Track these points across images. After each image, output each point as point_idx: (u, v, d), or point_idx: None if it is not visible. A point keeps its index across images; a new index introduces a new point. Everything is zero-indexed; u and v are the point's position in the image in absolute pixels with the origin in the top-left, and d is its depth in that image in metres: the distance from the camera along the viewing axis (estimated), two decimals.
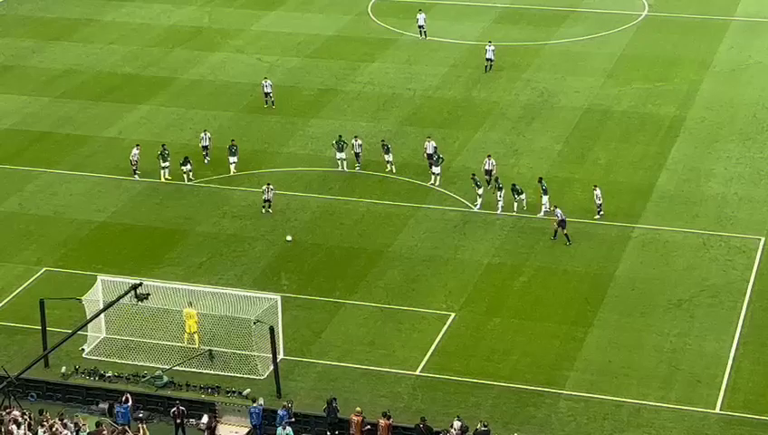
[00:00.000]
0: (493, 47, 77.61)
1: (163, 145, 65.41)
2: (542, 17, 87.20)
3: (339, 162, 64.59)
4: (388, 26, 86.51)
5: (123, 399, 45.35)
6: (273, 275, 55.74)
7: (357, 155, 64.97)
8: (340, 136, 65.09)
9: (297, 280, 55.35)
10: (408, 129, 70.30)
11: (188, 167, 64.32)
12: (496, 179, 61.13)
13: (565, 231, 57.45)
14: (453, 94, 75.12)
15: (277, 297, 49.70)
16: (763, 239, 57.19)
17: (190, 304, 50.14)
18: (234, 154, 65.30)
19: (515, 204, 59.67)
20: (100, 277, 50.75)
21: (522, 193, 60.06)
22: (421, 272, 55.67)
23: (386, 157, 64.71)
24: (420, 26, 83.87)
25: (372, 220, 60.40)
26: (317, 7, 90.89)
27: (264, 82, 73.90)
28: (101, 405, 46.68)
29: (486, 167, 62.92)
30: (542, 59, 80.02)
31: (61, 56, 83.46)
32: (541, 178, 60.42)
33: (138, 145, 65.41)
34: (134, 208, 62.45)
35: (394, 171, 64.37)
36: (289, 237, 58.64)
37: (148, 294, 47.05)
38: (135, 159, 64.87)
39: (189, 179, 64.18)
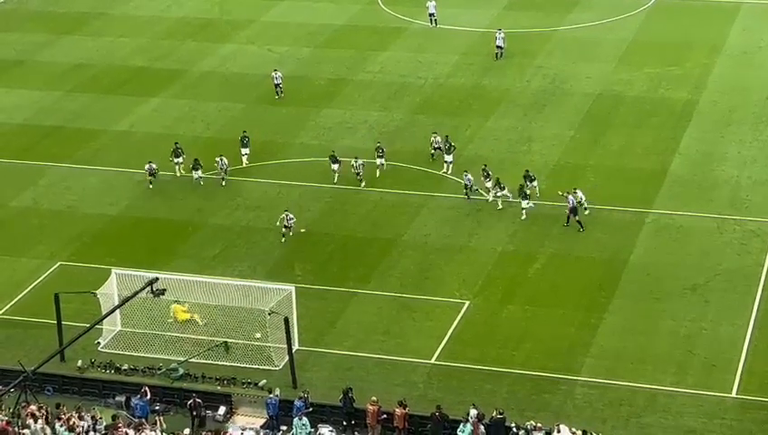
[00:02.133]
0: (503, 34, 77.46)
1: (176, 143, 65.28)
2: (552, 3, 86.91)
3: (334, 174, 63.32)
4: (398, 15, 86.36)
5: (142, 392, 45.44)
6: (287, 266, 55.77)
7: (358, 174, 62.62)
8: (334, 151, 64.24)
9: (311, 270, 55.36)
10: (420, 117, 70.19)
11: (199, 173, 63.93)
12: (485, 169, 60.87)
13: (577, 218, 57.36)
14: (464, 82, 74.99)
15: (291, 288, 49.74)
16: None
17: (176, 301, 50.32)
18: (246, 145, 65.27)
19: (527, 191, 59.47)
20: (115, 271, 50.85)
21: (534, 180, 59.93)
22: (435, 260, 55.64)
23: (378, 160, 63.43)
24: (431, 14, 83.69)
25: (385, 209, 60.32)
26: None
27: (273, 73, 73.82)
28: (118, 398, 46.81)
29: (434, 145, 63.80)
30: (552, 45, 79.80)
31: (71, 50, 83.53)
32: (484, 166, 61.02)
33: (150, 162, 64.03)
34: (147, 202, 62.54)
35: (384, 168, 63.45)
36: (303, 229, 58.66)
37: (165, 290, 47.26)
38: (152, 170, 63.83)
39: (200, 185, 63.87)
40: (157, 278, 46.90)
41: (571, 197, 57.64)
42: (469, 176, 60.49)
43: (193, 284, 50.72)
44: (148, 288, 47.27)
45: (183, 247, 57.98)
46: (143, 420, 43.68)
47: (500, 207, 59.32)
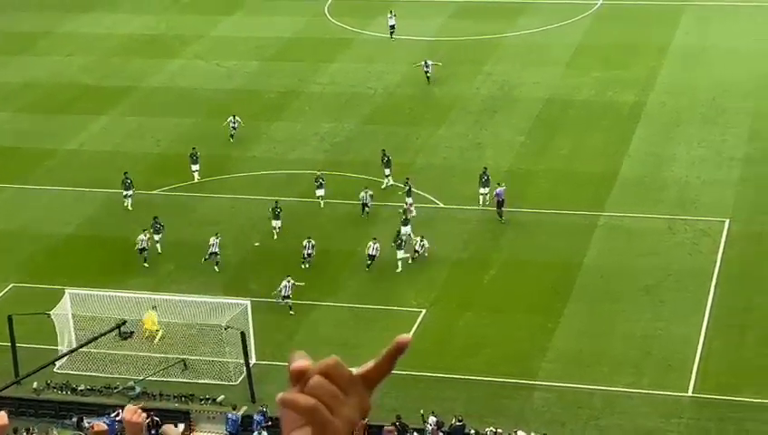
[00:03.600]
0: (431, 62, 75.16)
1: (193, 148, 65.15)
2: (499, 10, 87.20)
3: (319, 200, 61.90)
4: (346, 26, 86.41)
5: (114, 414, 44.88)
6: (242, 281, 55.67)
7: (365, 206, 59.86)
8: (320, 173, 62.56)
9: (267, 284, 55.26)
10: (371, 127, 70.27)
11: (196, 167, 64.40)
12: (407, 181, 60.37)
13: (502, 209, 57.97)
14: (413, 91, 75.07)
15: (247, 302, 49.69)
16: (727, 221, 57.58)
17: (154, 307, 50.08)
18: (195, 162, 64.91)
19: (480, 198, 59.69)
20: (68, 290, 50.56)
21: (488, 184, 60.15)
22: (390, 271, 55.70)
23: (317, 192, 61.53)
24: (391, 26, 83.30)
25: (339, 221, 60.38)
26: (273, 11, 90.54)
27: (230, 118, 69.67)
28: (74, 419, 46.55)
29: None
30: (501, 51, 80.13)
31: (19, 70, 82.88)
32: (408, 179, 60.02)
33: (145, 230, 58.40)
34: (100, 220, 62.21)
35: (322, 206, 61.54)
36: (257, 243, 58.56)
37: (133, 332, 47.21)
38: (143, 244, 57.65)
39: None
40: (125, 321, 46.80)
41: (500, 189, 57.98)
42: (370, 192, 60.27)
43: (148, 301, 50.53)
44: (116, 331, 47.00)
45: (138, 265, 57.71)
46: None
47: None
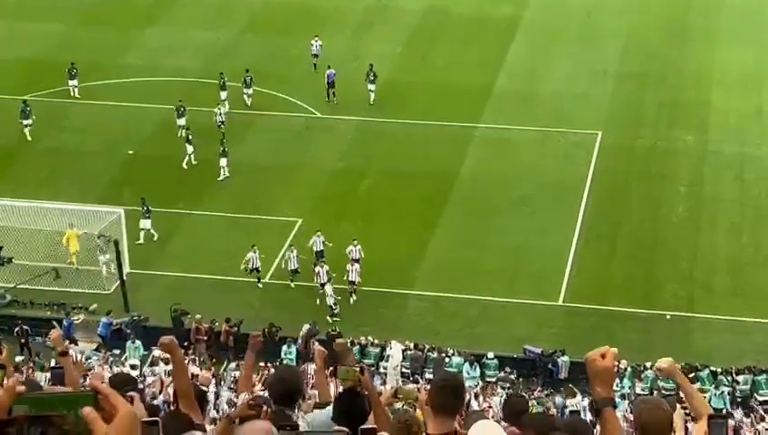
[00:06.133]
0: (319, 42, 66.28)
1: (180, 101, 60.06)
2: None
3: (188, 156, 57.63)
4: None
5: None
6: (116, 190, 54.83)
7: (294, 272, 48.80)
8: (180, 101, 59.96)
9: (140, 193, 54.40)
10: (248, 36, 69.40)
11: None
12: None
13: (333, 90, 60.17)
14: (291, 0, 74.09)
15: (120, 211, 49.07)
16: (600, 134, 58.40)
17: (71, 225, 49.08)
18: (74, 78, 62.83)
19: (370, 95, 59.55)
20: None
21: (375, 80, 60.63)
22: (266, 180, 55.40)
23: (179, 121, 58.84)
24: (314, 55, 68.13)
25: (214, 130, 59.34)
26: None
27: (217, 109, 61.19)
28: None
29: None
30: None
31: None
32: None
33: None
34: None
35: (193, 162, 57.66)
36: (130, 151, 57.70)
37: (12, 258, 46.33)
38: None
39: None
40: (1, 247, 45.72)
41: (329, 72, 60.91)
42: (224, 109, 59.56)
43: (19, 209, 49.58)
44: None
45: (9, 172, 56.46)
46: None
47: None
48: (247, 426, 6.98)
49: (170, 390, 23.06)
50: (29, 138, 58.92)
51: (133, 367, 38.55)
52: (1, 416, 5.39)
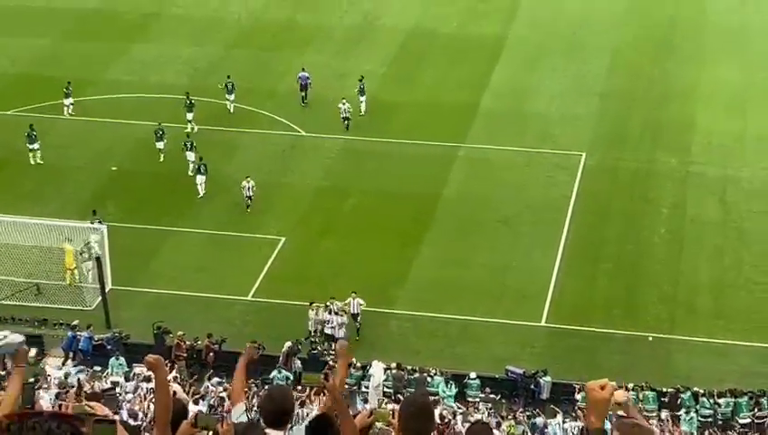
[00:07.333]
0: (307, 74, 64.41)
1: (187, 92, 61.54)
2: None
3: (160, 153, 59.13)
4: None
5: None
6: (99, 205, 54.63)
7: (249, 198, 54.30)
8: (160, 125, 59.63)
9: (124, 209, 54.44)
10: (235, 52, 69.39)
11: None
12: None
13: (348, 122, 60.11)
14: (277, 16, 74.17)
15: (103, 227, 48.97)
16: (584, 155, 58.50)
17: (69, 240, 48.95)
18: (68, 96, 62.55)
19: (361, 106, 60.51)
20: None
21: (363, 94, 61.06)
22: (251, 197, 55.31)
23: (158, 144, 58.96)
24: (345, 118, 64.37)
25: (200, 146, 59.13)
26: None
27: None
28: None
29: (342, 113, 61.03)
30: None
31: None
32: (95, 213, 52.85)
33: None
34: None
35: (196, 129, 60.30)
36: (114, 167, 57.60)
37: None
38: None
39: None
40: None
41: (302, 74, 62.11)
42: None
43: (1, 223, 49.45)
44: None
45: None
46: None
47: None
48: None
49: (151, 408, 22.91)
50: (32, 162, 58.37)
51: (115, 383, 38.40)
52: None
